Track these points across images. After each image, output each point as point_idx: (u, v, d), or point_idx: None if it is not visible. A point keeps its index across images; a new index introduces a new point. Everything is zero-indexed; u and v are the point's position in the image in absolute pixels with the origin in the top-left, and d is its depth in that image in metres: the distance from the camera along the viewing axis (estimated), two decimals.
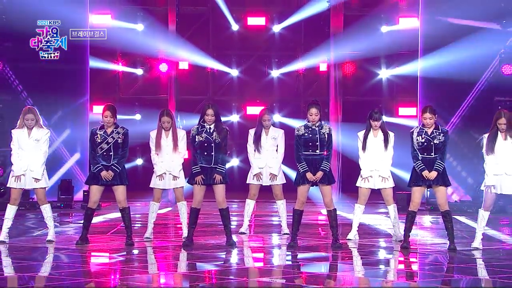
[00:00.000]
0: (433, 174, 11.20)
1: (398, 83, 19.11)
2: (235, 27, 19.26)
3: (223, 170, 11.38)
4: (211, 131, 11.31)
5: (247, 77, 19.43)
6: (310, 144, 11.22)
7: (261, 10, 19.18)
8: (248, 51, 19.56)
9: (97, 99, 18.26)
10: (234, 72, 19.38)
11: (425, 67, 17.99)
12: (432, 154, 11.25)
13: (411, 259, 10.92)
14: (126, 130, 11.64)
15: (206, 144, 11.31)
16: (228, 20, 19.25)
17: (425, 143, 11.24)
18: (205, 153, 11.33)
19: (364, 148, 11.98)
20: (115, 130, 11.52)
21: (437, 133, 11.28)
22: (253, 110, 18.69)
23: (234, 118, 19.22)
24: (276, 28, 19.24)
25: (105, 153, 11.48)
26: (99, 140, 11.49)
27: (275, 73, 19.39)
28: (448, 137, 11.41)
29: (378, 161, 11.97)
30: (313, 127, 11.24)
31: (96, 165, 11.49)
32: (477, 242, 11.35)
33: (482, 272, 10.08)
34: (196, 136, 11.34)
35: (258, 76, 19.49)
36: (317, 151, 11.23)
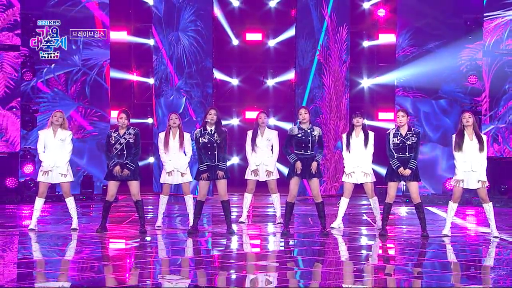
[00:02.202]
0: (407, 172, 11.23)
1: (378, 91, 19.14)
2: (235, 42, 19.28)
3: (224, 167, 11.42)
4: (213, 133, 11.34)
5: (246, 85, 19.44)
6: (303, 145, 11.21)
7: (258, 27, 19.19)
8: (246, 63, 19.57)
9: (114, 104, 18.27)
10: (235, 81, 19.39)
11: (401, 77, 18.04)
12: (407, 153, 11.28)
13: (388, 245, 10.95)
14: (137, 130, 11.65)
15: (209, 145, 11.35)
16: (229, 35, 19.27)
17: (400, 144, 11.27)
18: (209, 152, 11.36)
19: (348, 147, 12.01)
20: (127, 131, 11.54)
21: (410, 135, 11.30)
22: (251, 114, 18.73)
23: (234, 121, 19.25)
24: (271, 42, 19.26)
25: (119, 153, 11.51)
26: (113, 142, 11.52)
27: (270, 82, 19.41)
28: (420, 137, 11.44)
29: (360, 158, 12.00)
30: (306, 130, 11.24)
31: (112, 161, 11.52)
32: (446, 230, 11.40)
33: (451, 256, 10.13)
34: (200, 138, 11.38)
35: (255, 85, 19.50)
36: (308, 151, 11.24)
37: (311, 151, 11.21)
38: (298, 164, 11.16)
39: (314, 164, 11.17)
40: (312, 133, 11.20)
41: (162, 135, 12.21)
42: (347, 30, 18.14)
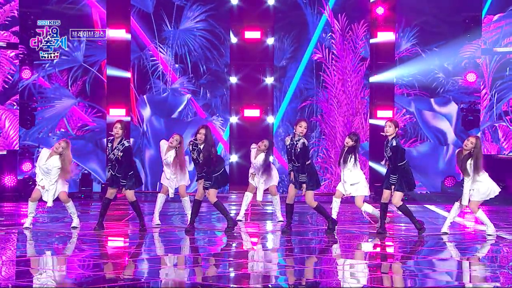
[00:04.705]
0: (392, 187, 11.29)
1: (377, 89, 19.13)
2: (234, 40, 19.31)
3: (207, 185, 11.43)
4: (199, 151, 11.40)
5: (244, 83, 19.45)
6: (289, 157, 11.37)
7: (257, 25, 19.21)
8: (245, 61, 19.59)
9: (112, 102, 18.28)
10: (233, 79, 19.42)
11: (400, 75, 18.10)
12: (386, 163, 11.38)
13: (387, 243, 11.00)
14: (127, 146, 11.53)
15: (197, 162, 11.45)
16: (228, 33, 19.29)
17: (385, 157, 11.36)
18: (197, 167, 11.48)
19: (339, 162, 11.99)
20: (118, 146, 11.52)
21: (389, 148, 11.25)
22: (250, 112, 18.79)
23: (233, 119, 19.28)
24: (270, 40, 19.30)
25: (113, 162, 11.60)
26: (107, 152, 11.66)
27: (268, 80, 19.44)
28: (397, 152, 11.12)
29: (346, 173, 11.95)
30: (294, 142, 11.28)
31: (108, 167, 11.67)
32: (445, 228, 11.43)
33: (450, 253, 10.18)
34: (191, 152, 11.49)
35: (254, 83, 19.51)
36: (294, 163, 11.32)
37: (297, 162, 11.27)
38: (291, 175, 11.35)
39: (303, 187, 11.25)
40: (297, 145, 11.25)
41: (162, 144, 12.30)
42: (365, 27, 18.27)
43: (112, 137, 11.61)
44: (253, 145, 12.79)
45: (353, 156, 11.75)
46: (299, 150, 11.18)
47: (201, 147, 11.36)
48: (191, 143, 11.48)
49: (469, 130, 17.49)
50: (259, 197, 12.58)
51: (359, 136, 12.05)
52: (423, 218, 11.97)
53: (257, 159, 12.57)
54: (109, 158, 11.61)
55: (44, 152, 11.68)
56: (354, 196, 11.95)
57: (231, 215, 12.10)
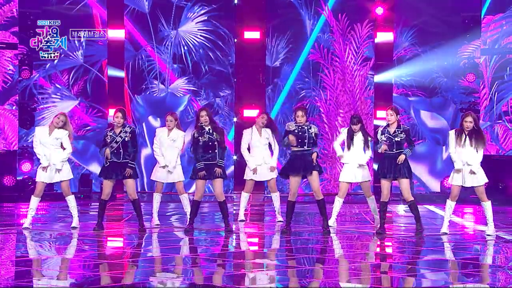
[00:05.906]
0: (401, 158, 11.17)
1: (376, 89, 19.14)
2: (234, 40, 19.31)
3: (222, 164, 11.42)
4: (211, 131, 11.35)
5: (244, 83, 19.45)
6: (299, 140, 11.26)
7: (256, 26, 19.21)
8: (245, 61, 19.59)
9: (112, 103, 18.27)
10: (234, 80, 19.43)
11: (399, 75, 18.09)
12: (394, 150, 11.25)
13: (386, 243, 10.98)
14: (134, 128, 11.64)
15: (210, 143, 11.35)
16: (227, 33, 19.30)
17: (387, 141, 11.28)
18: (210, 151, 11.36)
19: (348, 146, 11.94)
20: (123, 130, 11.52)
21: (399, 132, 11.28)
22: (249, 113, 18.77)
23: (233, 119, 19.29)
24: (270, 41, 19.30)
25: (115, 151, 11.51)
26: (109, 140, 11.50)
27: (268, 80, 19.45)
28: (410, 133, 11.37)
29: (359, 157, 11.93)
30: (302, 126, 11.28)
31: (107, 160, 11.54)
32: (444, 228, 11.40)
33: (448, 254, 10.17)
34: (200, 138, 11.36)
35: (253, 83, 19.52)
36: (304, 146, 11.27)
37: (307, 146, 11.25)
38: (291, 138, 11.19)
39: (314, 155, 11.22)
40: (309, 130, 11.25)
41: (160, 131, 12.27)
42: (369, 27, 18.26)
43: (111, 128, 11.58)
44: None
45: (370, 135, 11.96)
46: (313, 135, 11.23)
47: (209, 128, 11.32)
48: (197, 129, 11.37)
49: None
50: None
51: (359, 116, 12.08)
52: (422, 218, 11.95)
53: (263, 134, 12.49)
54: (111, 146, 11.43)
55: (40, 130, 11.62)
56: (360, 187, 12.03)
57: (230, 217, 12.09)
